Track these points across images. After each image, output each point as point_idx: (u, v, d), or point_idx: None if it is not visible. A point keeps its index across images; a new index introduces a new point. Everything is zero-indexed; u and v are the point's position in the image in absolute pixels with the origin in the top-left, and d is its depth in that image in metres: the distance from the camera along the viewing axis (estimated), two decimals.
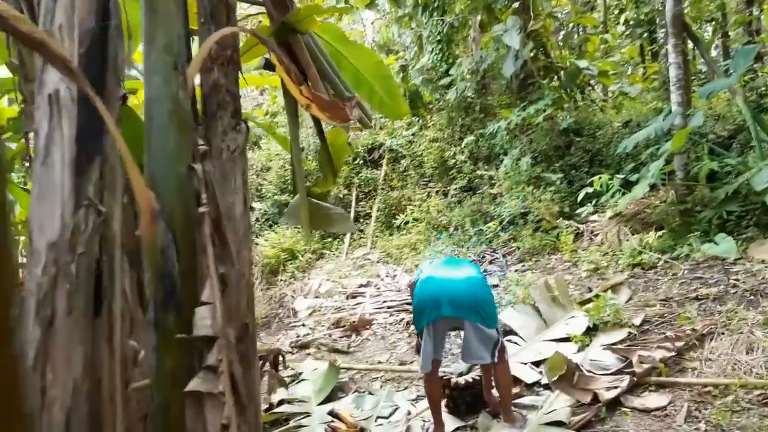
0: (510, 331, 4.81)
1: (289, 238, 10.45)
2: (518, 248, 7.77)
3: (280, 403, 4.56)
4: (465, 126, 10.04)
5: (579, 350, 4.22)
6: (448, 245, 8.62)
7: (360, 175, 11.00)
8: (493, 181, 8.88)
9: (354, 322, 6.61)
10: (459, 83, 9.55)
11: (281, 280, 9.79)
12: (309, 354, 6.14)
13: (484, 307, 3.48)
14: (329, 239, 10.87)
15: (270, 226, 11.46)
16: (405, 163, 10.59)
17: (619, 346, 4.07)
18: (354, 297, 7.84)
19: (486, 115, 9.87)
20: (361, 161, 11.12)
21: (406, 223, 9.66)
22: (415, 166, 10.50)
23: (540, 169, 8.40)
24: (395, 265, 8.99)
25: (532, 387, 3.97)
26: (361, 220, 10.88)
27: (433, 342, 3.49)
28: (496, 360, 3.47)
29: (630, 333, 4.29)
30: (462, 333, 3.59)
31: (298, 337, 6.89)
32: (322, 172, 3.42)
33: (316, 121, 3.29)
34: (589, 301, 4.76)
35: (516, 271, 7.21)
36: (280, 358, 3.33)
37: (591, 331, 4.39)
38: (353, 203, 11.00)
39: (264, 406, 4.56)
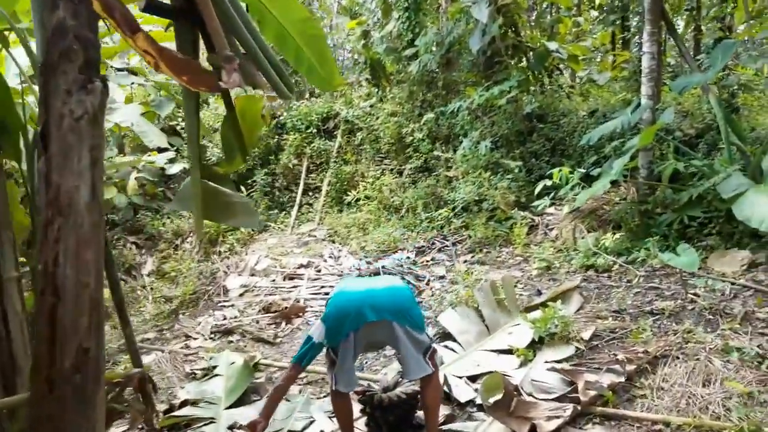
0: (447, 335, 4.36)
1: None
2: (470, 237, 7.33)
3: (184, 404, 4.01)
4: (426, 102, 9.46)
5: (521, 365, 3.79)
6: (398, 228, 8.14)
7: (312, 145, 10.35)
8: (449, 164, 8.38)
9: (285, 308, 6.07)
10: (423, 55, 8.95)
11: (219, 251, 9.18)
12: (231, 342, 5.59)
13: (410, 312, 3.00)
14: (275, 210, 10.26)
15: None
16: (361, 136, 9.99)
17: (565, 365, 3.65)
18: (291, 278, 7.29)
19: (449, 92, 9.31)
20: (315, 130, 10.45)
21: (357, 200, 9.11)
22: (371, 141, 9.90)
23: (499, 155, 7.94)
24: (341, 245, 8.46)
25: (465, 407, 3.52)
26: (311, 194, 10.29)
27: (354, 355, 2.99)
28: (431, 370, 3.00)
29: (578, 349, 3.88)
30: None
31: (224, 319, 6.32)
32: (224, 149, 2.82)
33: (224, 90, 2.67)
34: (537, 307, 4.34)
35: (465, 262, 6.78)
36: (149, 383, 2.77)
37: (536, 344, 3.96)
38: (303, 174, 10.36)
39: (164, 407, 4.02)
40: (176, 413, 3.87)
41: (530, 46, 8.83)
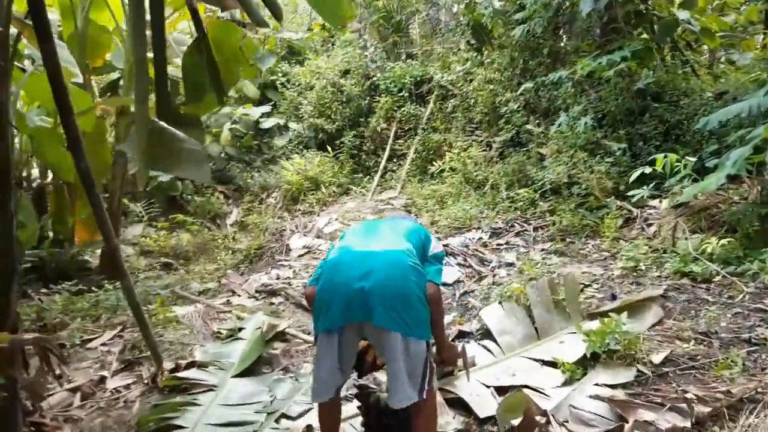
0: (488, 333, 3.75)
1: (316, 166, 9.65)
2: (554, 223, 6.52)
3: (190, 365, 3.75)
4: (528, 70, 8.57)
5: (564, 384, 3.13)
6: (477, 205, 7.49)
7: (403, 109, 9.84)
8: (540, 140, 7.54)
9: None
10: (531, 19, 8.05)
11: (299, 209, 9.06)
12: (272, 304, 5.32)
13: (409, 303, 2.38)
14: (359, 174, 9.95)
15: (301, 150, 10.63)
16: (453, 103, 9.31)
17: (619, 393, 2.94)
18: None
19: (555, 61, 8.35)
20: (407, 94, 9.91)
21: (441, 171, 8.51)
22: (464, 109, 9.21)
23: (601, 134, 6.99)
24: (415, 217, 7.95)
25: (483, 424, 2.93)
26: (396, 160, 9.82)
27: (338, 356, 2.47)
28: (424, 396, 2.44)
29: (641, 374, 3.14)
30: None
31: (277, 278, 6.09)
32: (188, 84, 2.34)
33: (192, 7, 2.22)
34: (598, 316, 3.60)
35: (542, 251, 6.03)
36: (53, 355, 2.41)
37: (588, 361, 3.27)
38: (390, 140, 9.90)
39: (170, 365, 3.78)
40: (179, 374, 3.62)
41: (657, 14, 7.65)
